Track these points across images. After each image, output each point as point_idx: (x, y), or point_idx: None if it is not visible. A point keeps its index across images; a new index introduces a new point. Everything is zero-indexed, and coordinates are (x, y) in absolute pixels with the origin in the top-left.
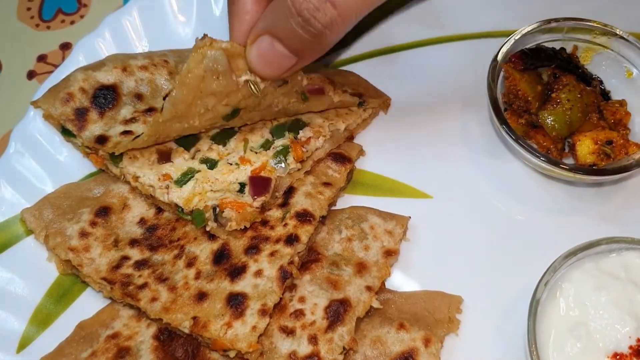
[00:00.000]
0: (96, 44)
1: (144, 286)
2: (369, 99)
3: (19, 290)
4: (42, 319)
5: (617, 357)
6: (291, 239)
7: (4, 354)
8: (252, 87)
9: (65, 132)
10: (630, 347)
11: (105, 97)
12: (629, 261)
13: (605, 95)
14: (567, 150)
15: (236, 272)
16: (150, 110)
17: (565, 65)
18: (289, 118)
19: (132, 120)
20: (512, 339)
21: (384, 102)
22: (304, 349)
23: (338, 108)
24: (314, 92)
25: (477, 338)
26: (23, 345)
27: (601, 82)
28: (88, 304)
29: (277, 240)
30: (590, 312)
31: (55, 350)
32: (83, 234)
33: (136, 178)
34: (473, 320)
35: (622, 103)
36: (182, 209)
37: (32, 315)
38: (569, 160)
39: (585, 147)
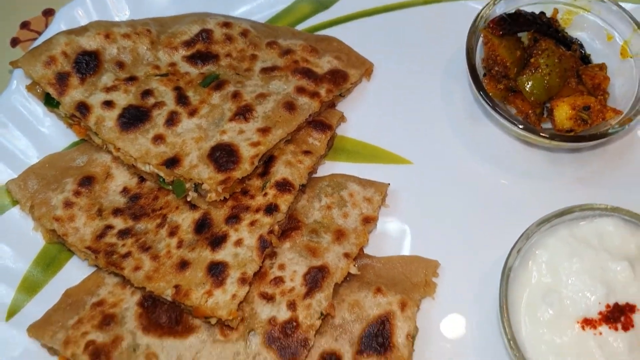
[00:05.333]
0: (76, 13)
1: (127, 255)
2: (350, 70)
3: (6, 259)
4: (29, 287)
5: (587, 322)
6: (271, 209)
7: None
8: None
9: (48, 103)
10: (600, 313)
11: (87, 63)
12: (602, 229)
13: (586, 59)
14: (545, 115)
15: (217, 242)
16: (131, 79)
17: (545, 29)
18: None
19: (112, 88)
20: (487, 304)
21: (367, 70)
22: (283, 314)
23: None
24: None
25: (453, 302)
26: (12, 313)
27: (581, 45)
28: (74, 271)
29: (257, 210)
30: (562, 279)
31: (42, 318)
32: (67, 204)
33: (118, 148)
34: (449, 284)
35: (602, 67)
36: (164, 179)
37: (20, 283)
38: (548, 125)
39: (563, 113)
